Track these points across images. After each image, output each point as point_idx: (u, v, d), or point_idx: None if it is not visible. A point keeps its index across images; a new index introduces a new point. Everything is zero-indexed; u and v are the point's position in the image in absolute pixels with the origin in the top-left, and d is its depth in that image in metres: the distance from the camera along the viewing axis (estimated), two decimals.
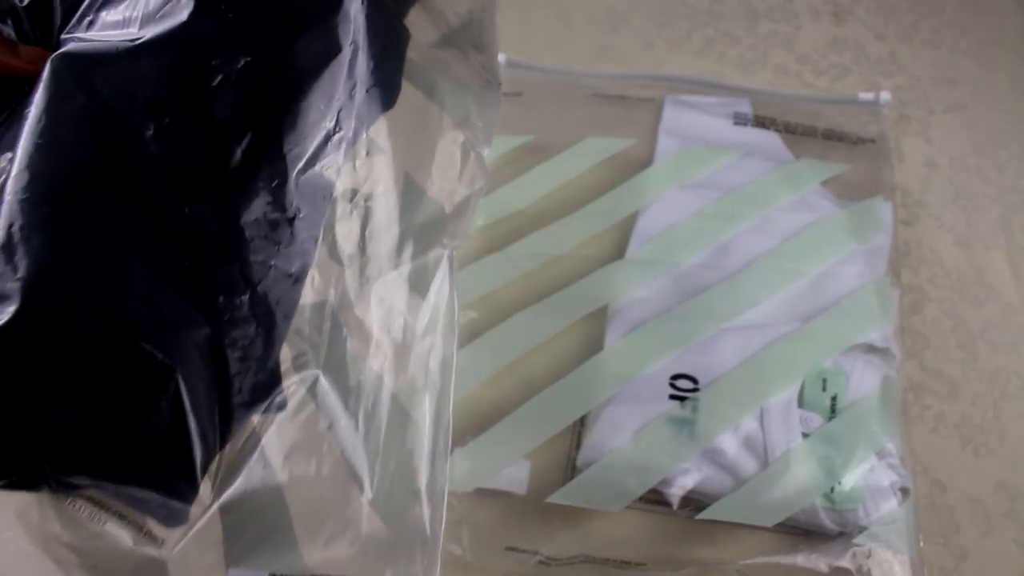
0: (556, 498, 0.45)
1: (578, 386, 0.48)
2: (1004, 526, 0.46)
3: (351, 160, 0.29)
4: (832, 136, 0.59)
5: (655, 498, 0.45)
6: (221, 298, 0.27)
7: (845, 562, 0.42)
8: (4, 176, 0.26)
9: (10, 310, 0.24)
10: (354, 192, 0.29)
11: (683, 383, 0.47)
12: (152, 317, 0.25)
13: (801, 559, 0.43)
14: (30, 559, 0.27)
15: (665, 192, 0.56)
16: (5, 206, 0.25)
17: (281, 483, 0.27)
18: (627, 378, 0.47)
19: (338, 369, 0.28)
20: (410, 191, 0.30)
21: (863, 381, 0.46)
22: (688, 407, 0.46)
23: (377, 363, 0.29)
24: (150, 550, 0.26)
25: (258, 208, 0.28)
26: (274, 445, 0.27)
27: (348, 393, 0.28)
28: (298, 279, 0.28)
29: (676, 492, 0.44)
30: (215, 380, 0.26)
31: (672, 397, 0.46)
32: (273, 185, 0.28)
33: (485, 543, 0.45)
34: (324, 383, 0.28)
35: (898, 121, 0.62)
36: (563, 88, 0.63)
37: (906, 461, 0.45)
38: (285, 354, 0.27)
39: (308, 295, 0.28)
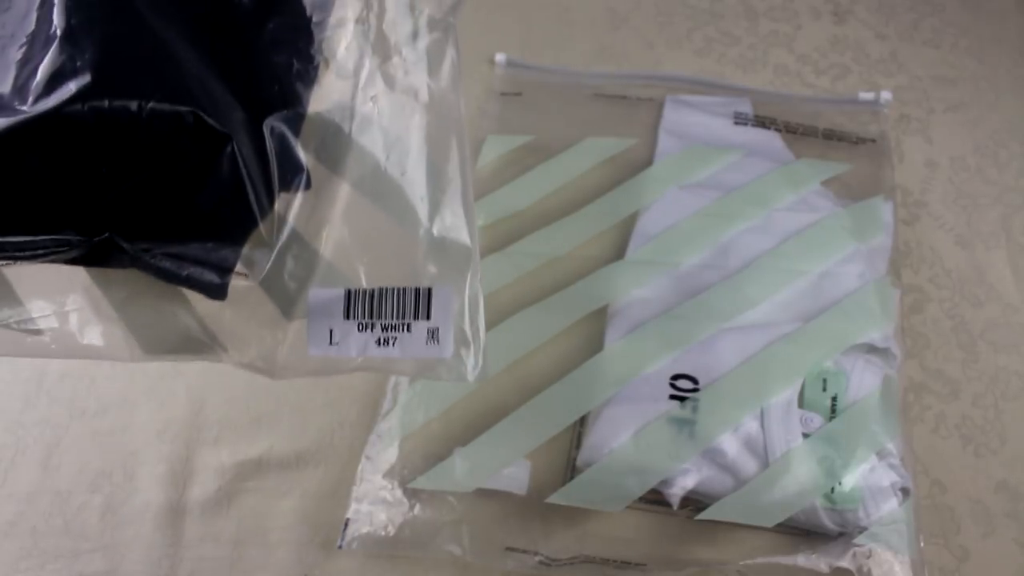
0: (556, 498, 0.45)
1: (578, 386, 0.48)
2: (1005, 526, 0.46)
3: None
4: (832, 136, 0.59)
5: (655, 498, 0.45)
6: (251, 91, 0.31)
7: (845, 562, 0.42)
8: None
9: (84, 81, 0.28)
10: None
11: (683, 383, 0.47)
12: (204, 93, 0.29)
13: (801, 559, 0.43)
14: (95, 328, 0.31)
15: (665, 192, 0.56)
16: (57, 6, 0.29)
17: (326, 228, 0.33)
18: (627, 378, 0.47)
19: (370, 132, 0.34)
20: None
21: (863, 381, 0.46)
22: (688, 407, 0.46)
23: (404, 121, 0.35)
24: (244, 281, 0.31)
25: (278, 16, 0.33)
26: (327, 199, 0.33)
27: (383, 147, 0.34)
28: (316, 70, 0.34)
29: (676, 492, 0.44)
30: (259, 155, 0.31)
31: (672, 397, 0.46)
32: None
33: (485, 543, 0.45)
34: (359, 144, 0.34)
35: (898, 121, 0.62)
36: (563, 88, 0.63)
37: (907, 461, 0.45)
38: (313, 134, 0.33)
39: (336, 87, 0.34)
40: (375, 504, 0.46)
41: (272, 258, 0.31)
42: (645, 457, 0.45)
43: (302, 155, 0.32)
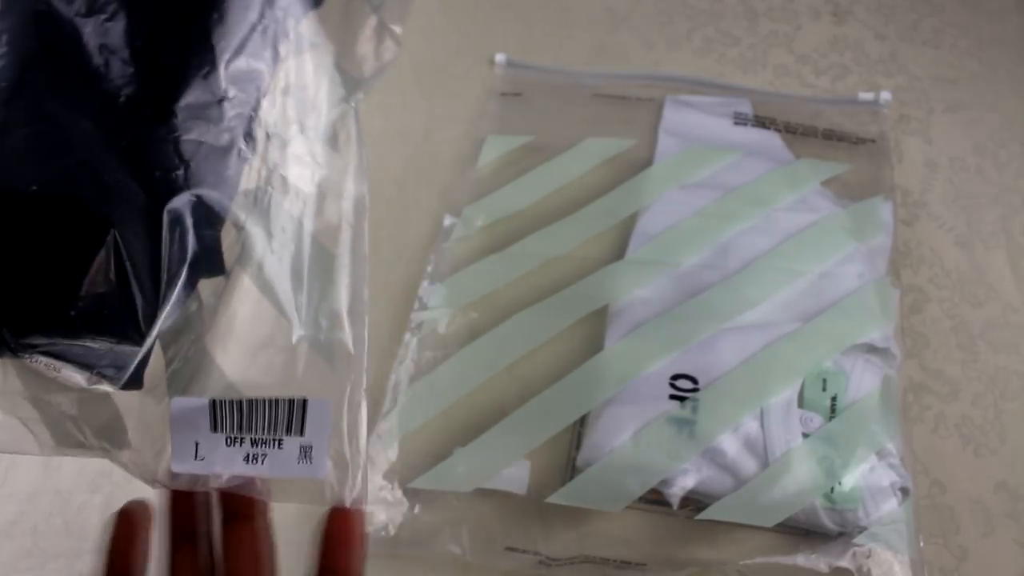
0: (556, 498, 0.45)
1: (578, 386, 0.48)
2: (1004, 526, 0.46)
3: (277, 51, 0.33)
4: (832, 136, 0.59)
5: (655, 498, 0.45)
6: (157, 172, 0.29)
7: (845, 562, 0.42)
8: None
9: None
10: (284, 79, 0.34)
11: (683, 383, 0.47)
12: (91, 179, 0.28)
13: (801, 559, 0.43)
14: None
15: (665, 192, 0.56)
16: None
17: (215, 324, 0.30)
18: (627, 378, 0.47)
19: (262, 220, 0.32)
20: (332, 72, 0.35)
21: (863, 381, 0.46)
22: (688, 407, 0.46)
23: (296, 210, 0.32)
24: (105, 386, 0.29)
25: (189, 93, 0.31)
26: (207, 289, 0.30)
27: (271, 238, 0.31)
28: (227, 151, 0.31)
29: (676, 492, 0.44)
30: (153, 244, 0.29)
31: (672, 397, 0.46)
32: (203, 73, 0.31)
33: (485, 543, 0.45)
34: (250, 233, 0.31)
35: (898, 121, 0.62)
36: (563, 88, 0.63)
37: (906, 461, 0.45)
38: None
39: (241, 170, 0.32)
40: (375, 504, 0.46)
41: (138, 357, 0.28)
42: (645, 457, 0.45)
43: (192, 242, 0.29)
